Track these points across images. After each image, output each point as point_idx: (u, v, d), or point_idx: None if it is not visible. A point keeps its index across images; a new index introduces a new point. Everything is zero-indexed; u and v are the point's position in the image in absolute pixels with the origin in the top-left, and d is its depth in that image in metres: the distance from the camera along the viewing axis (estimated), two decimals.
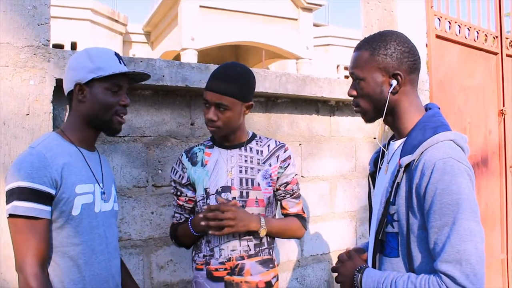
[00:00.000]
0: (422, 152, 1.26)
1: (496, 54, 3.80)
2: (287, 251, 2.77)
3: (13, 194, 1.35)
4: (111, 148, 2.17)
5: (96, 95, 1.50)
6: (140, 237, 2.24)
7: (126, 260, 2.14)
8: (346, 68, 13.42)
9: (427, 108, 1.42)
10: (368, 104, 1.39)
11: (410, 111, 1.37)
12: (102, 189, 1.56)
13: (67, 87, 1.55)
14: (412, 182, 1.26)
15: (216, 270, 1.76)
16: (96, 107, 1.51)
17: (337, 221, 3.03)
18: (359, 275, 1.35)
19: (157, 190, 2.30)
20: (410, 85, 1.37)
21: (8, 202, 1.36)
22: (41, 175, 1.37)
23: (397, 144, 1.40)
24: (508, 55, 3.88)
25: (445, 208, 1.19)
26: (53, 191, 1.39)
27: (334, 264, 1.54)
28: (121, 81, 1.54)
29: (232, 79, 1.70)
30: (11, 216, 1.36)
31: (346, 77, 12.99)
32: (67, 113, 1.98)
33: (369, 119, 1.43)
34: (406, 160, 1.29)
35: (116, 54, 1.57)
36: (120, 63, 1.55)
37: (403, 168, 1.29)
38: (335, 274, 1.49)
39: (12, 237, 1.37)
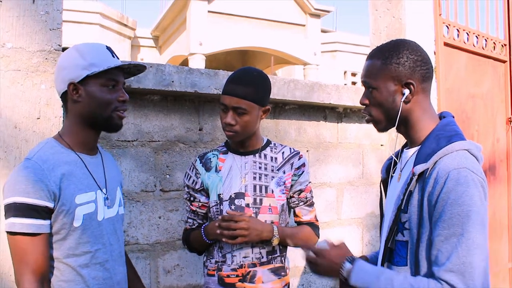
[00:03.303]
0: (436, 161, 1.25)
1: (504, 62, 3.80)
2: (293, 257, 2.76)
3: (10, 210, 1.30)
4: (120, 153, 2.19)
5: (92, 93, 1.41)
6: (147, 241, 2.25)
7: (133, 264, 2.15)
8: (353, 74, 13.39)
9: (441, 116, 1.41)
10: (381, 113, 1.37)
11: (423, 119, 1.36)
12: (105, 194, 1.50)
13: (60, 88, 1.45)
14: (425, 191, 1.25)
15: (228, 276, 1.74)
16: (93, 106, 1.42)
17: (344, 228, 3.03)
18: (349, 264, 1.32)
19: (165, 195, 2.31)
20: (423, 93, 1.36)
21: (6, 217, 1.32)
22: (37, 189, 1.30)
23: (411, 152, 1.39)
24: None
25: (455, 219, 1.18)
26: (51, 204, 1.33)
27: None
28: (116, 75, 1.45)
29: (249, 83, 1.69)
30: (8, 232, 1.32)
31: (353, 83, 12.98)
32: None
33: (381, 128, 1.41)
34: (420, 168, 1.27)
35: (108, 48, 1.48)
36: (113, 56, 1.47)
37: (416, 177, 1.28)
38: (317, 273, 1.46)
39: (11, 253, 1.33)
